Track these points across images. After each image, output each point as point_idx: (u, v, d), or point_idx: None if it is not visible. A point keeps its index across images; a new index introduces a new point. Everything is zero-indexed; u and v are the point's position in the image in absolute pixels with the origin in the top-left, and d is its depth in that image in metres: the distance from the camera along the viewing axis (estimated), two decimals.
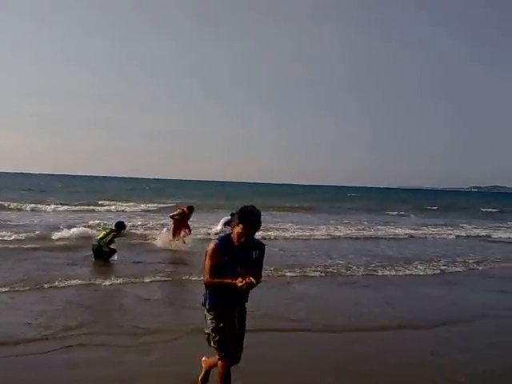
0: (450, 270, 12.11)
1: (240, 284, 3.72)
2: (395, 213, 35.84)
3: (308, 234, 18.71)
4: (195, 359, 4.81)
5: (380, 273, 11.24)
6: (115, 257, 11.37)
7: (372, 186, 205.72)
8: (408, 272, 11.55)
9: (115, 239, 11.58)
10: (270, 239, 16.40)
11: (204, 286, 4.08)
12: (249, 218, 3.84)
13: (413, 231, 21.60)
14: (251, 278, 3.73)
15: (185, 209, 14.55)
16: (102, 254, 11.27)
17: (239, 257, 3.89)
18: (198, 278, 9.75)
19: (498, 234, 22.47)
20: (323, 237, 18.32)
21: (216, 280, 3.88)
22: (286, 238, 17.16)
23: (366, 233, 20.42)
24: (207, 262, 3.91)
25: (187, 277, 9.80)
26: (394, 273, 11.30)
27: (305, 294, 8.93)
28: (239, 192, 64.48)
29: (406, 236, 20.03)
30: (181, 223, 14.32)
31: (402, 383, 5.11)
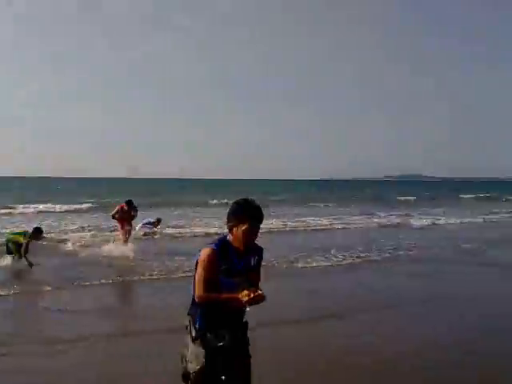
0: (368, 258, 12.46)
1: (246, 299, 2.99)
2: (320, 204, 36.48)
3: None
4: (112, 363, 4.62)
5: (301, 264, 11.33)
6: (30, 260, 10.72)
7: (297, 179, 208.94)
8: (328, 262, 11.76)
9: (30, 244, 10.93)
10: (195, 236, 16.24)
11: (192, 304, 3.26)
12: (257, 212, 3.18)
13: (334, 221, 22.12)
14: (259, 291, 3.03)
15: (123, 205, 13.93)
16: (11, 251, 10.77)
17: (239, 265, 3.21)
18: (113, 280, 9.45)
19: (413, 221, 23.44)
20: None
21: (213, 295, 3.11)
22: (208, 234, 16.98)
23: (290, 224, 20.67)
24: (200, 274, 3.13)
25: (101, 281, 9.36)
26: (314, 264, 11.45)
27: None
28: (153, 189, 61.98)
29: (328, 226, 20.47)
30: (124, 220, 13.81)
31: (320, 371, 5.12)
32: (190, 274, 9.87)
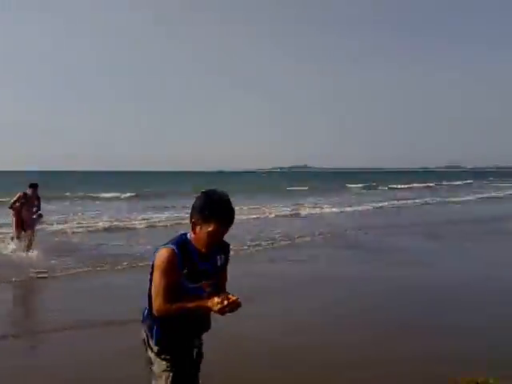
0: (257, 248, 12.46)
1: (219, 307, 2.52)
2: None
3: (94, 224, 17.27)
4: None
5: None
6: None
7: (190, 170, 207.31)
8: None
9: None
10: (74, 232, 15.31)
11: (147, 317, 2.79)
12: (225, 211, 2.65)
13: None
14: (232, 297, 2.55)
15: (27, 190, 11.55)
16: None
17: (203, 267, 2.71)
18: None
19: (302, 211, 23.89)
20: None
21: (176, 306, 2.59)
22: (97, 229, 16.14)
23: (180, 215, 20.10)
24: (159, 281, 2.60)
25: None
26: None
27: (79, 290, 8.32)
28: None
29: None
30: (24, 210, 11.42)
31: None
32: (73, 271, 9.33)
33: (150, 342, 2.77)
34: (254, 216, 20.85)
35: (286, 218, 21.00)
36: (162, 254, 2.62)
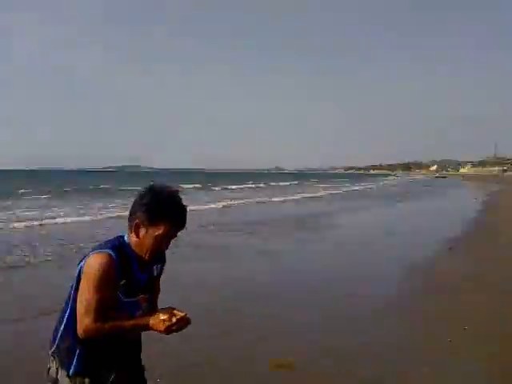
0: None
1: (166, 325, 2.07)
2: (29, 196, 32.77)
3: None
4: None
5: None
6: None
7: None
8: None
9: None
10: None
11: (64, 339, 2.20)
12: (178, 210, 2.21)
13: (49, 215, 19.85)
14: (179, 313, 2.11)
15: None
16: None
17: (141, 277, 2.26)
18: None
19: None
20: None
21: (109, 325, 2.09)
22: None
23: None
24: (91, 294, 2.07)
25: None
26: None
27: None
28: None
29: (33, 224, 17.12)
30: None
31: None
32: None
33: (59, 373, 2.20)
34: (73, 221, 18.54)
35: (113, 219, 19.21)
36: (96, 261, 2.11)
